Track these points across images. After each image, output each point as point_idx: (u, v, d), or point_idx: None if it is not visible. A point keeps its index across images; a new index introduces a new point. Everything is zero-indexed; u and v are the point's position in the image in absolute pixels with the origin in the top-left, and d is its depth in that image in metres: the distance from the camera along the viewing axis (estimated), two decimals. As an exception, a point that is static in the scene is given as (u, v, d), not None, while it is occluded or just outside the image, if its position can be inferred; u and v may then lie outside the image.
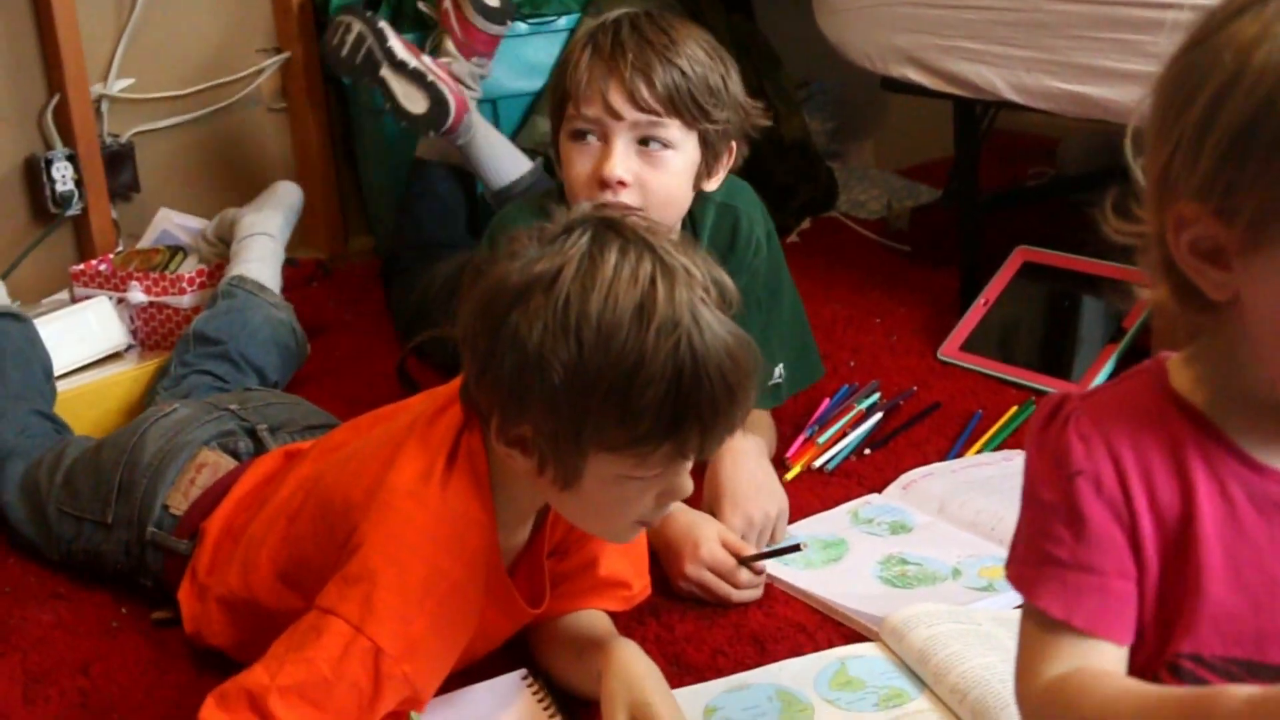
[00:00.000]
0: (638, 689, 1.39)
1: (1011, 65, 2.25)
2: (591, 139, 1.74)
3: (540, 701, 1.48)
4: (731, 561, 1.67)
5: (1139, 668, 0.96)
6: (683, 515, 1.71)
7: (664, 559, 1.70)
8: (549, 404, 1.24)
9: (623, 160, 1.73)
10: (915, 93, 2.42)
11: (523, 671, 1.54)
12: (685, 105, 1.73)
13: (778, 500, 1.80)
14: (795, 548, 1.71)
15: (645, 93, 1.72)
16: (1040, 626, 0.97)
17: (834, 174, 3.13)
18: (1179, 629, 0.92)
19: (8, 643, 1.68)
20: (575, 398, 1.23)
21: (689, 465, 1.32)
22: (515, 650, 1.56)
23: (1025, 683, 0.97)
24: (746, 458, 1.81)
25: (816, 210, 3.05)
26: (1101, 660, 0.94)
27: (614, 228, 1.27)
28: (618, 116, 1.72)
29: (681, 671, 1.55)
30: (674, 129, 1.74)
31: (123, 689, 1.58)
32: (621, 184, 1.72)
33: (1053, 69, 2.19)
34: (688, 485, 1.33)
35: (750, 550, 1.70)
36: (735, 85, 1.79)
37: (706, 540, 1.68)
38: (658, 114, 1.73)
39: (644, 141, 1.74)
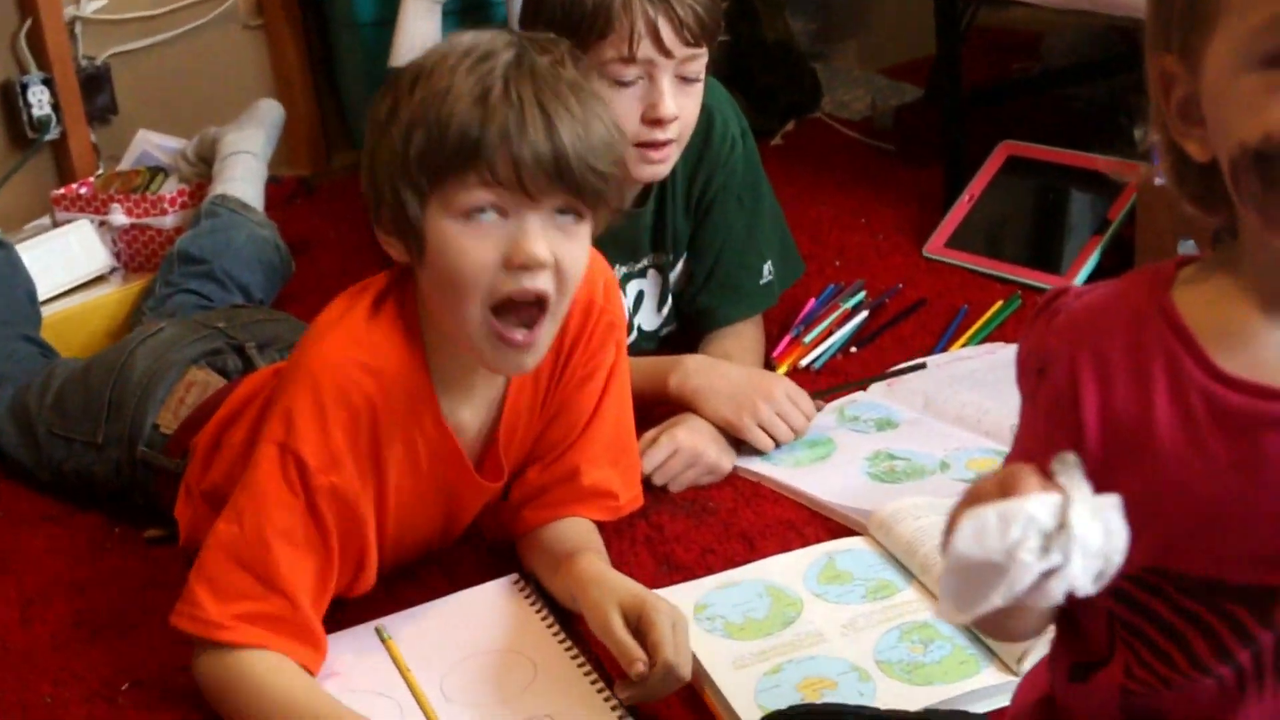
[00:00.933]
0: (622, 588, 1.40)
1: (992, -43, 2.22)
2: (639, 82, 1.72)
3: (532, 605, 1.50)
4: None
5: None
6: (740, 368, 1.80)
7: (729, 410, 1.74)
8: (381, 163, 1.32)
9: (674, 96, 1.73)
10: (896, -12, 2.40)
11: (514, 576, 1.55)
12: (710, 32, 1.73)
13: (775, 382, 1.80)
14: (921, 365, 1.84)
15: (694, 25, 1.70)
16: None
17: (817, 75, 3.10)
18: (1136, 543, 0.90)
19: (2, 566, 1.69)
20: (396, 144, 1.30)
21: (531, 229, 1.30)
22: (508, 560, 1.57)
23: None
24: (717, 365, 1.82)
25: (800, 112, 3.02)
26: None
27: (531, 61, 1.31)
28: (669, 55, 1.71)
29: (671, 570, 1.57)
30: (703, 59, 1.75)
31: (117, 608, 1.59)
32: (674, 118, 1.73)
33: (1033, -41, 2.17)
34: (533, 248, 1.30)
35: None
36: None
37: (780, 381, 1.79)
38: (699, 46, 1.73)
39: (681, 77, 1.73)
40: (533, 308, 1.33)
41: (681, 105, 1.75)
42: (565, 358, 1.49)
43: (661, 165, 1.78)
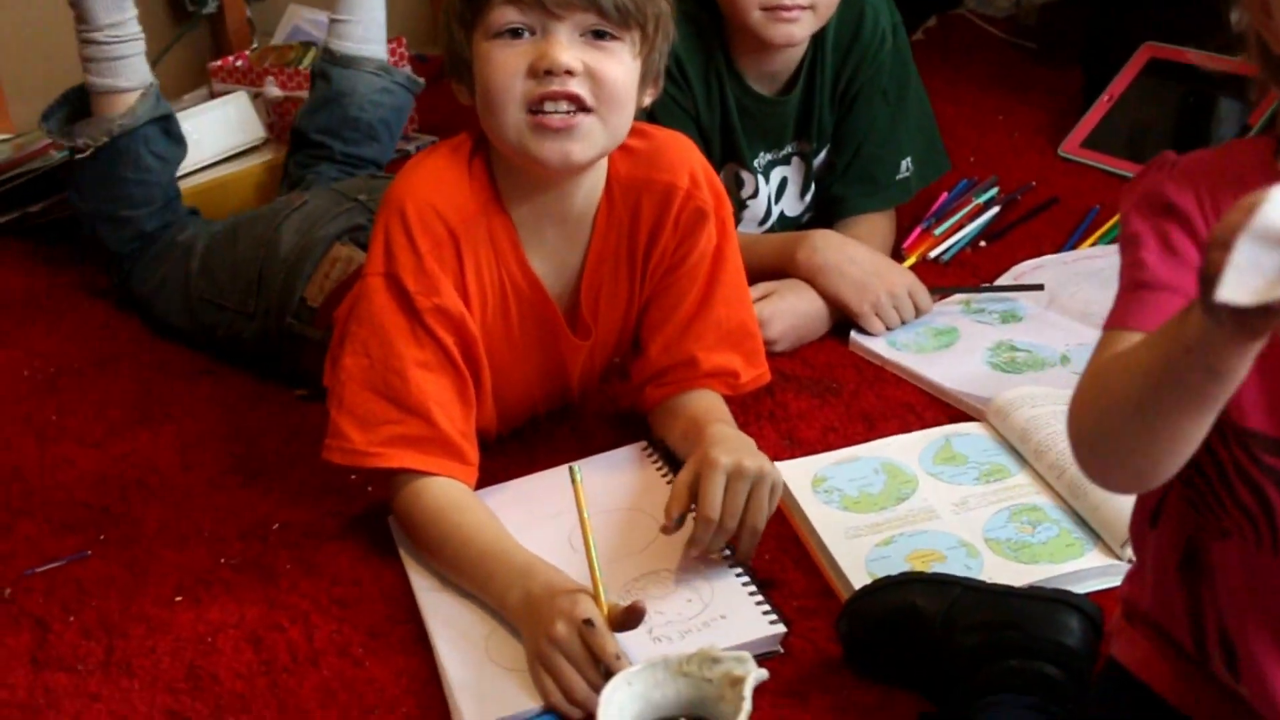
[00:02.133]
0: (716, 448, 1.41)
1: None
2: None
3: (659, 469, 1.57)
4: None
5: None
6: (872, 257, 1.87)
7: (850, 293, 1.82)
8: (445, 12, 1.45)
9: None
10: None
11: (643, 443, 1.62)
12: None
13: (901, 275, 1.85)
14: (1039, 287, 1.88)
15: None
16: (1106, 340, 0.98)
17: (964, -30, 3.08)
18: (1242, 404, 0.94)
19: (165, 413, 1.80)
20: None
21: (556, 39, 1.39)
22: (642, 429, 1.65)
23: (1077, 387, 0.98)
24: (848, 245, 1.87)
25: (944, 7, 3.01)
26: None
27: None
28: None
29: (793, 446, 1.63)
30: None
31: (269, 455, 1.70)
32: None
33: None
34: (555, 53, 1.38)
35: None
36: None
37: (904, 273, 1.87)
38: None
39: None
40: (569, 104, 1.40)
41: None
42: (649, 237, 1.55)
43: (792, 26, 1.81)
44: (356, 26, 2.21)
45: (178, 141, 2.08)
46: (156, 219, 2.03)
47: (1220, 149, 1.01)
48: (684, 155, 1.55)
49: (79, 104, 2.06)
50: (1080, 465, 0.97)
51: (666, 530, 1.39)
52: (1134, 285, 0.98)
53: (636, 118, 1.49)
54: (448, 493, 1.46)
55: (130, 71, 2.03)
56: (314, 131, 2.18)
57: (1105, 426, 0.92)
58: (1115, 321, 0.98)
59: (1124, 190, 1.03)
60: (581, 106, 1.40)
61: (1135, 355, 0.90)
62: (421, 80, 2.29)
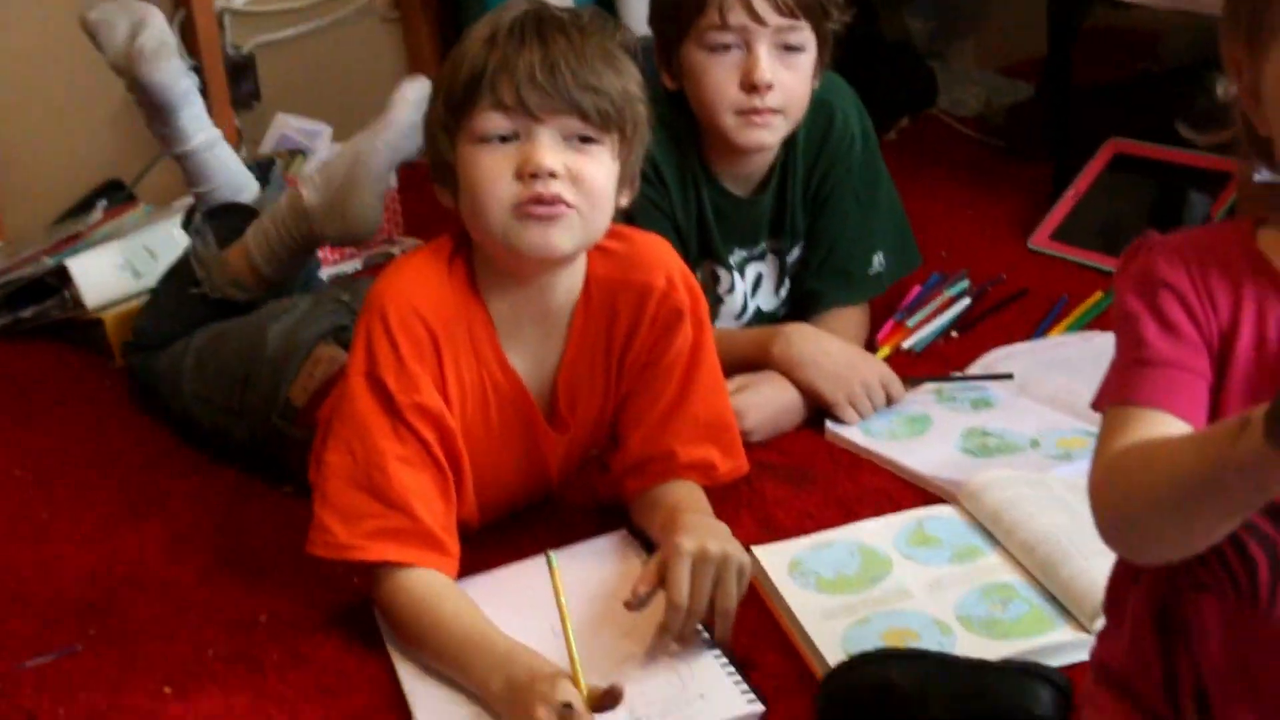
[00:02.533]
0: (686, 535, 1.44)
1: (1104, -42, 2.28)
2: (733, 48, 1.83)
3: (639, 557, 1.60)
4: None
5: None
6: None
7: (825, 384, 1.86)
8: (429, 120, 1.53)
9: (769, 64, 1.83)
10: (1009, -13, 2.47)
11: (623, 531, 1.66)
12: (814, 7, 1.84)
13: (874, 366, 1.90)
14: (1008, 375, 1.90)
15: None
16: (1110, 419, 1.01)
17: (934, 73, 3.16)
18: None
19: (154, 508, 1.83)
20: (435, 97, 1.51)
21: (539, 142, 1.44)
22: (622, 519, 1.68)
23: (1093, 470, 1.00)
24: (822, 339, 1.91)
25: (916, 108, 3.09)
26: (1165, 433, 0.97)
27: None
28: (762, 23, 1.82)
29: (771, 532, 1.66)
30: (805, 31, 1.84)
31: (256, 548, 1.72)
32: (769, 87, 1.82)
33: (1144, -40, 2.23)
34: (539, 156, 1.43)
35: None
36: None
37: (878, 364, 1.92)
38: (796, 18, 1.82)
39: (782, 46, 1.83)
40: (552, 204, 1.45)
41: (781, 76, 1.84)
42: (626, 335, 1.59)
43: (763, 131, 1.87)
44: (222, 190, 2.17)
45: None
46: (190, 328, 2.06)
47: (1204, 229, 1.08)
48: (661, 256, 1.60)
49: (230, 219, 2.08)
50: (1107, 544, 0.99)
51: (629, 606, 1.43)
52: (1136, 362, 1.01)
53: (615, 219, 1.55)
54: (428, 583, 1.49)
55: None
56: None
57: (1135, 518, 0.95)
58: (1119, 397, 1.01)
59: (1116, 270, 1.07)
60: (564, 204, 1.46)
61: (1171, 457, 0.91)
62: (276, 162, 2.33)
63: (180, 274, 2.07)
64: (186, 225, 2.10)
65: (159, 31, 2.13)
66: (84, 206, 2.65)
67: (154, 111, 2.15)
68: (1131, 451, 0.96)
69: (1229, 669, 1.05)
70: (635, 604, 1.43)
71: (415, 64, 3.08)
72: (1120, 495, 0.96)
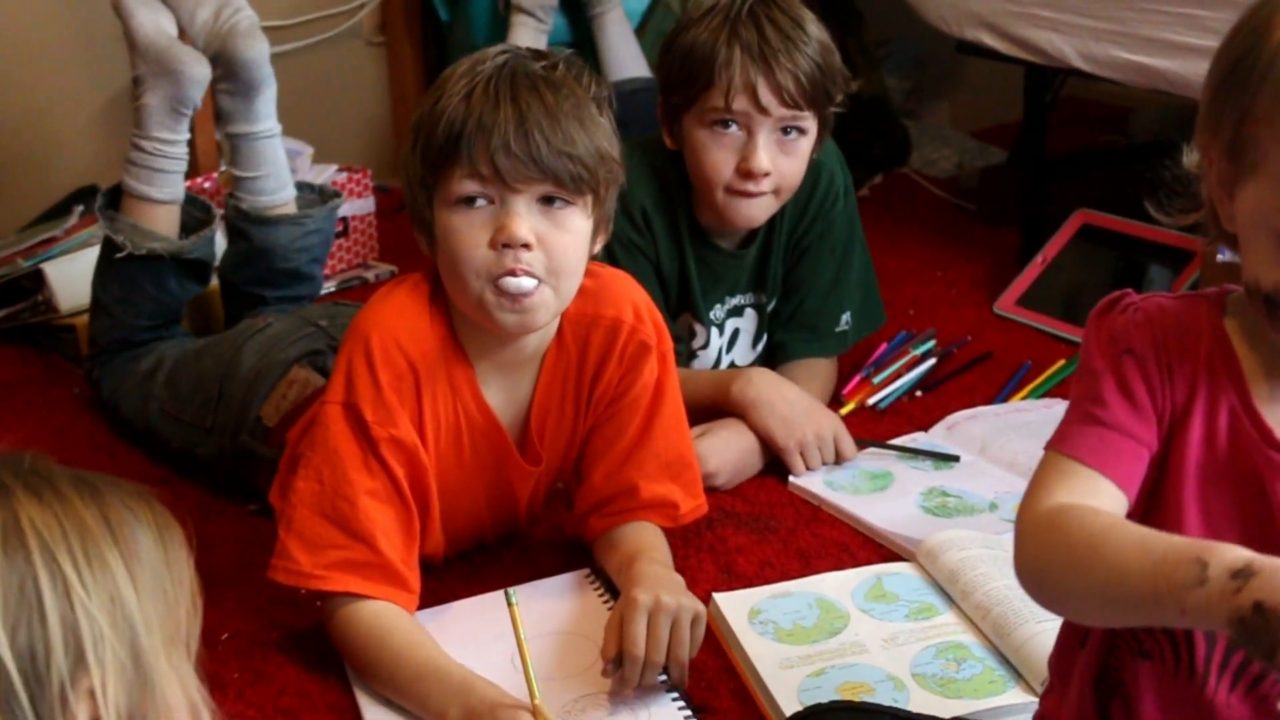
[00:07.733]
0: (642, 588, 1.47)
1: (1081, 34, 2.33)
2: (734, 129, 1.86)
3: (600, 595, 1.62)
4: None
5: None
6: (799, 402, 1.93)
7: (779, 429, 1.88)
8: (405, 166, 1.52)
9: (767, 152, 1.86)
10: (988, 56, 2.52)
11: (585, 570, 1.67)
12: (819, 97, 1.87)
13: (829, 419, 1.92)
14: (955, 458, 1.91)
15: (793, 89, 1.84)
16: (1055, 464, 1.05)
17: (908, 132, 3.22)
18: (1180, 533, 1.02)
19: (117, 520, 1.83)
20: (412, 146, 1.50)
21: (513, 211, 1.45)
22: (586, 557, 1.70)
23: (1028, 507, 1.05)
24: (782, 384, 1.94)
25: (889, 166, 3.14)
26: (1102, 500, 1.02)
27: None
28: (766, 113, 1.85)
29: (732, 579, 1.68)
30: (808, 119, 1.88)
31: (219, 567, 1.72)
32: (765, 174, 1.86)
33: (1120, 40, 2.28)
34: (513, 228, 1.45)
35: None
36: (839, 60, 1.91)
37: (833, 419, 1.93)
38: (800, 109, 1.85)
39: (783, 131, 1.87)
40: (527, 294, 1.47)
41: (779, 162, 1.87)
42: (596, 369, 1.62)
43: (754, 210, 1.91)
44: (267, 180, 2.22)
45: (203, 282, 2.15)
46: (149, 332, 2.09)
47: (1179, 298, 1.10)
48: (626, 291, 1.63)
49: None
50: (1021, 584, 1.03)
51: (606, 673, 1.44)
52: (1091, 419, 1.05)
53: (596, 258, 1.57)
54: (382, 615, 1.50)
55: (165, 185, 2.11)
56: (243, 284, 2.22)
57: (1065, 587, 0.98)
58: (1067, 449, 1.05)
59: (1090, 318, 1.11)
60: (536, 279, 1.47)
61: (1119, 558, 0.93)
62: (341, 195, 2.32)
63: (105, 262, 2.09)
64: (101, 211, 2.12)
65: (250, 12, 2.20)
66: (59, 211, 2.66)
67: (235, 88, 2.20)
68: (1073, 520, 0.99)
69: None
70: (610, 669, 1.44)
71: (398, 87, 3.11)
72: (1057, 560, 0.99)
